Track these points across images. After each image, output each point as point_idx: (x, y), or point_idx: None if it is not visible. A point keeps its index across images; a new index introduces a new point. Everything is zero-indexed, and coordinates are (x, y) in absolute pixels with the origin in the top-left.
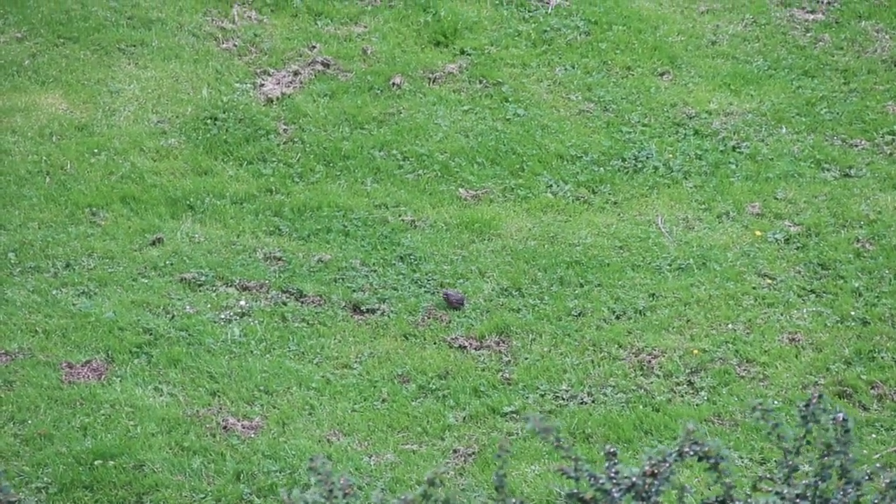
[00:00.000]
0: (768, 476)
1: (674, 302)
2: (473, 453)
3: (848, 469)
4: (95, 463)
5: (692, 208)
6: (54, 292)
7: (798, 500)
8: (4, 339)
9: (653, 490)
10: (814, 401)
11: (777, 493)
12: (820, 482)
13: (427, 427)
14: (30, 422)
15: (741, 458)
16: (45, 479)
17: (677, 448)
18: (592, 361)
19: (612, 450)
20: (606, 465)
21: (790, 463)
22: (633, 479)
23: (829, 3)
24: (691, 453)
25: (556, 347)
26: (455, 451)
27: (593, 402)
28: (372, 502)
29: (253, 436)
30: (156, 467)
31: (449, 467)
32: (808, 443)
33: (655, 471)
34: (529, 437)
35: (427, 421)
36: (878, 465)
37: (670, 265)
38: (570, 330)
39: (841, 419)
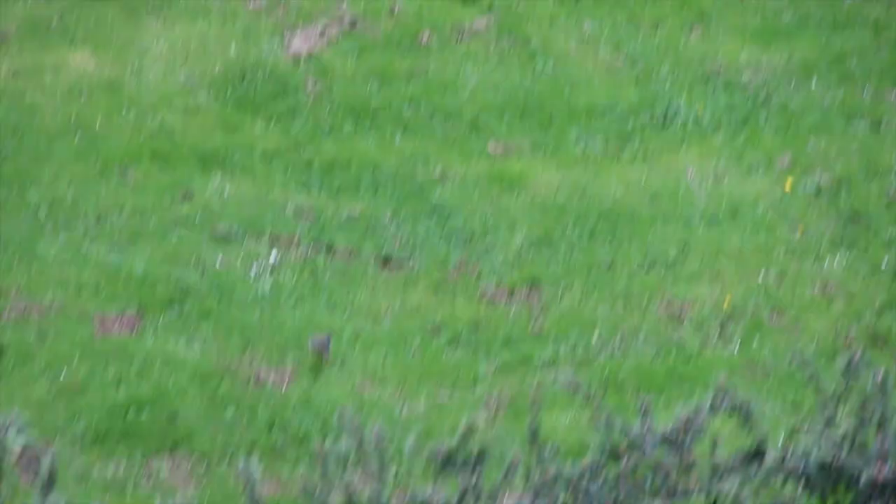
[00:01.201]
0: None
1: (704, 253)
2: (505, 403)
3: (887, 418)
4: (129, 413)
5: (722, 161)
6: (85, 247)
7: (836, 449)
8: (37, 292)
9: (686, 442)
10: (856, 358)
11: (816, 440)
12: (858, 432)
13: (458, 378)
14: (63, 374)
15: (773, 407)
16: (80, 429)
17: (710, 401)
18: (623, 312)
19: (645, 402)
20: (639, 417)
21: (828, 411)
22: (667, 431)
23: None
24: (724, 406)
25: (586, 299)
26: (487, 402)
27: (624, 352)
28: (405, 452)
29: (284, 387)
30: (189, 417)
31: (481, 417)
32: (848, 395)
33: (689, 423)
34: (557, 384)
35: (458, 372)
36: None
37: (701, 217)
38: (601, 282)
39: (881, 375)
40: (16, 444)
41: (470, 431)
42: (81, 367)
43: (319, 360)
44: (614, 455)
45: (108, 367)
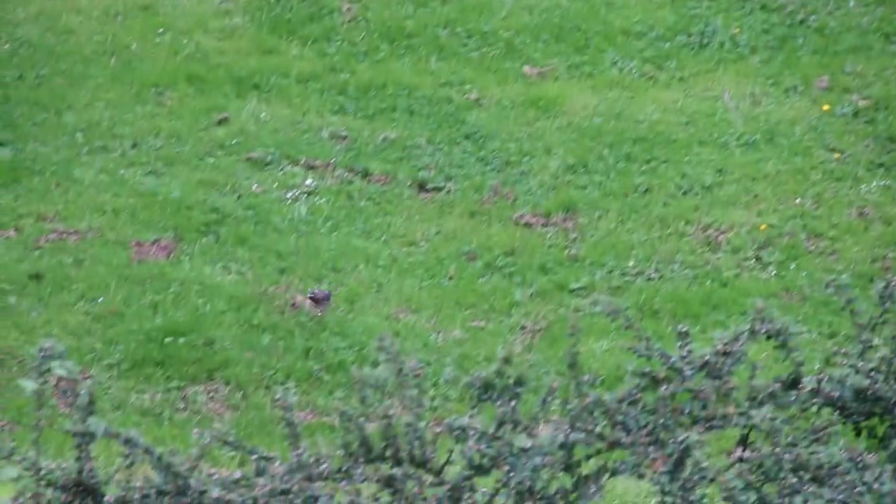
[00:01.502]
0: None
1: (741, 177)
2: (541, 329)
3: None
4: (166, 340)
5: (759, 83)
6: (122, 172)
7: (872, 374)
8: (74, 218)
9: (724, 368)
10: (892, 283)
11: (851, 367)
12: (894, 359)
13: (494, 304)
14: (100, 300)
15: (810, 332)
16: (117, 355)
17: (748, 327)
18: (659, 237)
19: (683, 329)
20: (678, 344)
21: (864, 338)
22: (706, 357)
23: None
24: (762, 332)
25: (622, 224)
26: (523, 328)
27: (661, 278)
28: (443, 380)
29: (321, 313)
30: (226, 344)
31: (517, 344)
32: (884, 322)
33: (727, 349)
34: (598, 312)
35: (494, 298)
36: None
37: (737, 141)
38: (637, 206)
39: None
40: (55, 371)
41: (507, 360)
42: (118, 293)
43: (316, 307)
44: (652, 382)
45: (144, 293)
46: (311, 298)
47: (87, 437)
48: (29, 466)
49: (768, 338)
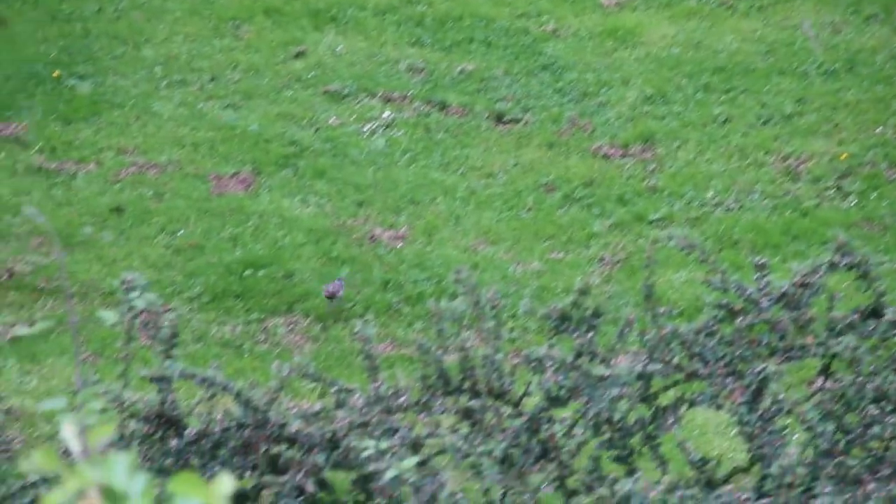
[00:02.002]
0: None
1: (821, 106)
2: (619, 261)
3: None
4: (245, 273)
5: (839, 12)
6: (200, 105)
7: None
8: (153, 151)
9: (803, 300)
10: None
11: None
12: None
13: (573, 235)
14: (180, 233)
15: (891, 262)
16: (197, 288)
17: (829, 259)
18: (739, 168)
19: (761, 261)
20: (756, 276)
21: None
22: (784, 289)
23: None
24: (843, 264)
25: (701, 154)
26: (601, 260)
27: (740, 208)
28: (521, 312)
29: (399, 246)
30: (305, 277)
31: (595, 275)
32: None
33: (806, 281)
34: (671, 245)
35: (572, 229)
36: None
37: (817, 69)
38: (716, 136)
39: None
40: (138, 304)
41: (584, 291)
42: (198, 226)
43: (332, 303)
44: (729, 314)
45: (223, 226)
46: (327, 297)
47: (164, 380)
48: (113, 399)
49: (849, 269)
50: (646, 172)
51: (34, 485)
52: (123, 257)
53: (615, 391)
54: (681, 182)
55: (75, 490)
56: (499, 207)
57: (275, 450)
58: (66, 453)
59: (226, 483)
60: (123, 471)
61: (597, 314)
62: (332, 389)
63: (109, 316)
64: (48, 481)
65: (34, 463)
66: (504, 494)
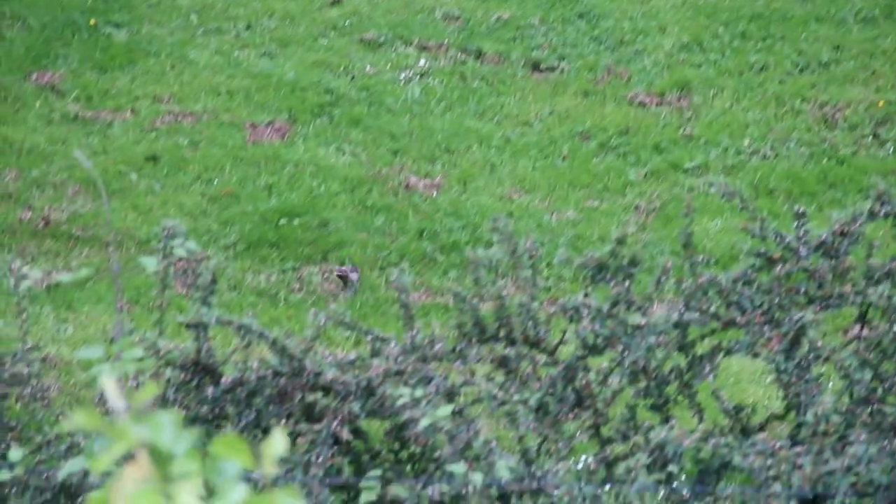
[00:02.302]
0: None
1: (859, 54)
2: (655, 209)
3: None
4: (281, 221)
5: None
6: (236, 53)
7: None
8: (189, 99)
9: (841, 248)
10: None
11: None
12: None
13: (608, 184)
14: (216, 181)
15: None
16: (233, 236)
17: (867, 207)
18: (775, 115)
19: (800, 210)
20: (794, 224)
21: None
22: (823, 237)
23: None
24: (881, 212)
25: (737, 102)
26: (636, 208)
27: (776, 156)
28: (557, 260)
29: (434, 194)
30: (340, 225)
31: (631, 223)
32: None
33: (845, 229)
34: (712, 192)
35: (608, 178)
36: None
37: (855, 17)
38: (753, 84)
39: None
40: (179, 252)
41: (621, 240)
42: (233, 174)
43: (344, 285)
44: (767, 262)
45: (259, 174)
46: (339, 276)
47: (200, 327)
48: (149, 346)
49: (887, 217)
50: (681, 120)
51: (70, 433)
52: (159, 206)
53: (651, 340)
54: (717, 130)
55: (122, 451)
56: (534, 156)
57: (310, 398)
58: (103, 402)
59: (279, 442)
60: (169, 429)
61: (633, 263)
62: (368, 338)
63: (151, 262)
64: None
65: (77, 422)
66: (542, 443)
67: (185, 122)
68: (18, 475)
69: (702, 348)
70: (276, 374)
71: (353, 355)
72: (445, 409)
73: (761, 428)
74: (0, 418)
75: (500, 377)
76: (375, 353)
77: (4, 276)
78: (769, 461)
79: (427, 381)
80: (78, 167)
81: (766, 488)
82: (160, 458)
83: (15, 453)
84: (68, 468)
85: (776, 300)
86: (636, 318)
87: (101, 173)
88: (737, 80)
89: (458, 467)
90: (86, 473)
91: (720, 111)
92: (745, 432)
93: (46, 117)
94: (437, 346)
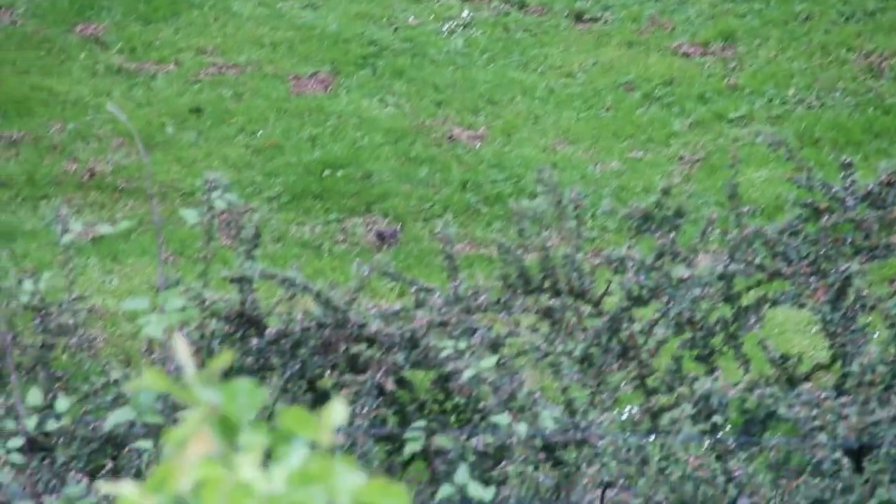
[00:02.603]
0: None
1: None
2: (699, 160)
3: None
4: (324, 173)
5: None
6: (280, 5)
7: None
8: (232, 51)
9: (888, 199)
10: None
11: None
12: None
13: (652, 134)
14: (260, 133)
15: None
16: (276, 188)
17: None
18: (820, 65)
19: (847, 160)
20: (841, 174)
21: None
22: (869, 187)
23: None
24: None
25: (782, 52)
26: (681, 158)
27: (821, 105)
28: (601, 211)
29: (478, 145)
30: (383, 177)
31: (675, 174)
32: None
33: (892, 179)
34: (756, 142)
35: (652, 128)
36: None
37: None
38: (798, 34)
39: None
40: (219, 204)
41: (666, 191)
42: (277, 126)
43: (381, 243)
44: (814, 212)
45: (302, 126)
46: (377, 236)
47: (244, 281)
48: (194, 297)
49: None
50: (726, 70)
51: (116, 382)
52: (203, 157)
53: (697, 292)
54: (761, 80)
55: (198, 421)
56: (578, 107)
57: (354, 349)
58: (149, 353)
59: (338, 412)
60: (240, 397)
61: (679, 214)
62: (412, 289)
63: (192, 215)
64: (130, 378)
65: (144, 383)
66: (587, 394)
67: (229, 74)
68: (65, 425)
69: (747, 299)
70: (321, 325)
71: (397, 306)
72: (489, 360)
73: (806, 378)
74: (47, 368)
75: (544, 328)
76: (420, 304)
77: (51, 226)
78: (814, 411)
79: (471, 332)
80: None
81: (811, 439)
82: (226, 427)
83: (62, 403)
84: (114, 418)
85: (822, 251)
86: (681, 270)
87: (145, 125)
88: (782, 30)
89: (503, 418)
90: (132, 424)
91: (765, 61)
92: (791, 382)
93: (91, 69)
94: (482, 298)
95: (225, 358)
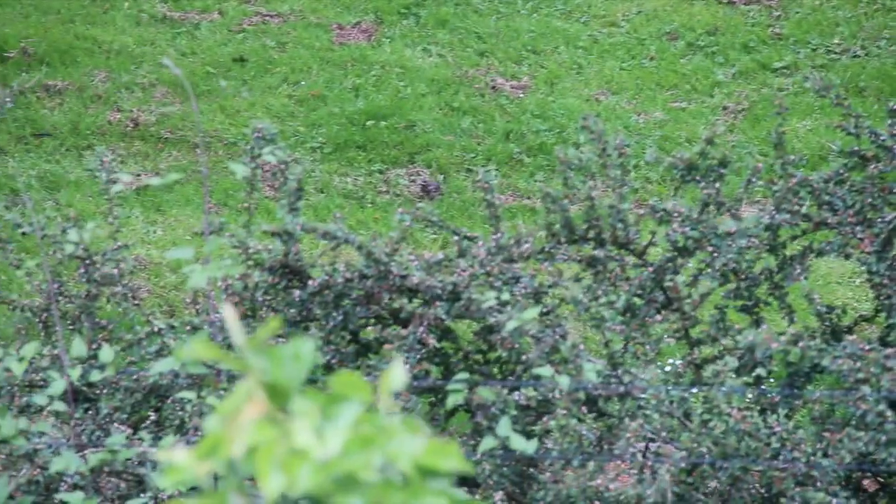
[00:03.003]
0: None
1: None
2: (743, 110)
3: None
4: (367, 123)
5: None
6: None
7: None
8: (276, 0)
9: None
10: None
11: None
12: None
13: (696, 84)
14: (303, 83)
15: None
16: (320, 138)
17: None
18: (866, 14)
19: (894, 107)
20: (889, 122)
21: None
22: None
23: None
24: None
25: (828, 1)
26: (725, 108)
27: (867, 55)
28: (646, 160)
29: (521, 95)
30: (426, 127)
31: (719, 124)
32: None
33: None
34: (801, 91)
35: (696, 78)
36: None
37: None
38: None
39: None
40: (270, 159)
41: (710, 141)
42: (320, 76)
43: (424, 193)
44: (860, 161)
45: (346, 76)
46: (422, 188)
47: (286, 234)
48: (238, 246)
49: None
50: (770, 19)
51: (160, 332)
52: (246, 107)
53: (742, 242)
54: (806, 29)
55: (247, 392)
56: (621, 56)
57: (397, 303)
58: (194, 304)
59: (398, 376)
60: (290, 364)
61: (723, 164)
62: (454, 238)
63: (241, 168)
64: (174, 329)
65: (193, 352)
66: (628, 344)
67: (272, 24)
68: (109, 376)
69: (792, 249)
70: (363, 276)
71: (440, 255)
72: (532, 312)
73: (849, 330)
74: (91, 318)
75: (587, 278)
76: (462, 254)
77: (95, 175)
78: (858, 363)
79: (514, 280)
80: (166, 68)
81: (854, 391)
82: (276, 393)
83: (105, 354)
84: (158, 368)
85: (868, 200)
86: (728, 223)
87: (189, 75)
88: None
89: (545, 370)
90: (176, 374)
91: (809, 9)
92: (835, 334)
93: (135, 18)
94: (525, 246)
95: (273, 325)
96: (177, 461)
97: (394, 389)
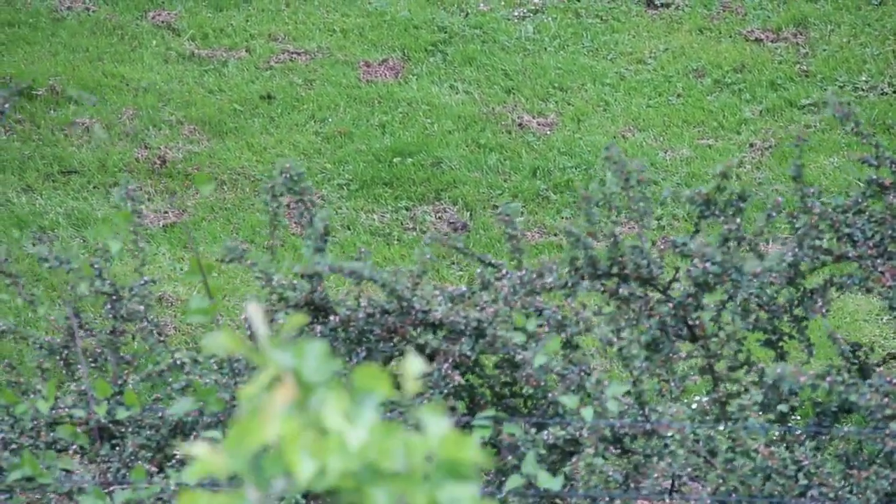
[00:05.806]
0: None
1: None
2: (770, 147)
3: None
4: (394, 160)
5: None
6: None
7: None
8: (303, 38)
9: None
10: None
11: None
12: None
13: (723, 121)
14: (330, 120)
15: None
16: (346, 175)
17: None
18: (893, 51)
19: None
20: None
21: None
22: None
23: None
24: None
25: (855, 38)
26: (751, 145)
27: (894, 92)
28: (663, 197)
29: (548, 132)
30: (453, 164)
31: (745, 161)
32: None
33: None
34: (828, 129)
35: (723, 115)
36: None
37: None
38: (871, 19)
39: None
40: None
41: (725, 174)
42: (347, 113)
43: (454, 232)
44: (880, 188)
45: (373, 113)
46: (450, 226)
47: (315, 276)
48: (262, 276)
49: None
50: (798, 57)
51: (182, 365)
52: (273, 145)
53: (764, 278)
54: (833, 66)
55: (269, 380)
56: (648, 93)
57: (421, 340)
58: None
59: (415, 363)
60: (315, 359)
61: (742, 197)
62: (478, 270)
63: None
64: (198, 363)
65: (218, 343)
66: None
67: (300, 61)
68: (134, 413)
69: (811, 282)
70: (384, 311)
71: (462, 288)
72: (555, 343)
73: (878, 366)
74: (116, 353)
75: (610, 308)
76: (485, 286)
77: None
78: (885, 399)
79: (538, 312)
80: (194, 106)
81: (882, 428)
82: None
83: (130, 395)
84: (179, 408)
85: (889, 231)
86: (752, 264)
87: (216, 112)
88: (854, 16)
89: (569, 399)
90: (201, 412)
91: (837, 47)
92: (863, 371)
93: (163, 56)
94: (549, 278)
95: (297, 319)
96: (199, 456)
97: (415, 375)
